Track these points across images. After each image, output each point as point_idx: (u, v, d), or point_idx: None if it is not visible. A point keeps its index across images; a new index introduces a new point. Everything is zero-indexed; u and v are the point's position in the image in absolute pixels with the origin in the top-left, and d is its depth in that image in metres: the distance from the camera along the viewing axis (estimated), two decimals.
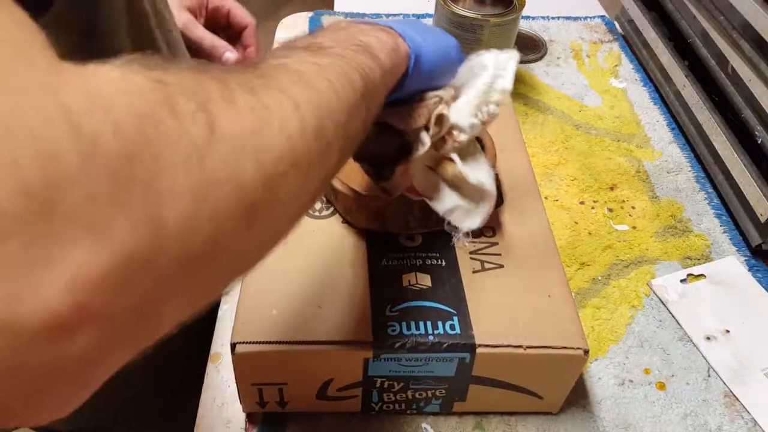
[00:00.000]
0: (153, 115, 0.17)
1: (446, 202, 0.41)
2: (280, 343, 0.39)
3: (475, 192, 0.40)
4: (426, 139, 0.38)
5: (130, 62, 0.18)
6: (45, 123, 0.14)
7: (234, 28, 0.67)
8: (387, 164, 0.40)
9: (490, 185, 0.40)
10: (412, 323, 0.40)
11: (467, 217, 0.41)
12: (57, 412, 0.16)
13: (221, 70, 0.22)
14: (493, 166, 0.47)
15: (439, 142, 0.40)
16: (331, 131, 0.24)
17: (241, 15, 0.67)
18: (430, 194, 0.42)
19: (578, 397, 0.48)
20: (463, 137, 0.39)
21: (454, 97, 0.40)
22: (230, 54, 0.63)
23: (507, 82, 0.39)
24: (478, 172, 0.40)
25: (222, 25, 0.67)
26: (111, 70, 0.17)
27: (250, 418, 0.45)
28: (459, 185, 0.41)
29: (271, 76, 0.24)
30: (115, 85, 0.16)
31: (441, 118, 0.39)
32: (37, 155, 0.14)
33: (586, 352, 0.40)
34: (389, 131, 0.39)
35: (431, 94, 0.39)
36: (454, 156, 0.41)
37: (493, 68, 0.39)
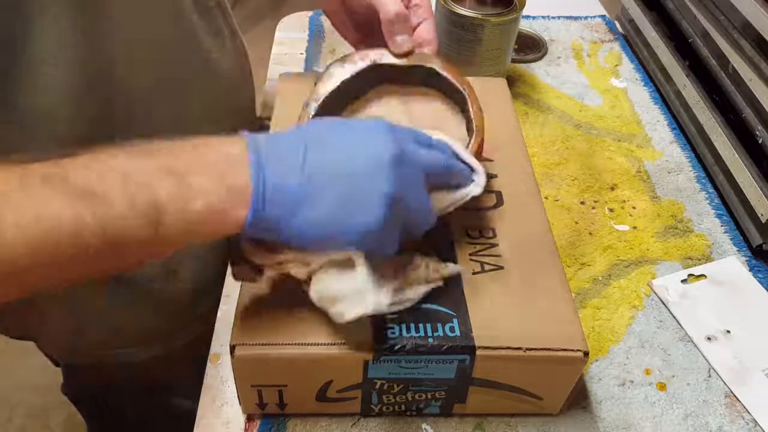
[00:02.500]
0: None
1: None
2: (279, 345, 0.39)
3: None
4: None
5: None
6: None
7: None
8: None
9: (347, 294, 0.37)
10: (412, 325, 0.40)
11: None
12: None
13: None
14: (481, 139, 0.46)
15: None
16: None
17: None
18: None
19: (579, 398, 0.48)
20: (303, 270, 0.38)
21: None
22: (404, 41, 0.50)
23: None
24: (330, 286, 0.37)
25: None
26: None
27: (250, 418, 0.45)
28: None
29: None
30: None
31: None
32: None
33: (586, 353, 0.40)
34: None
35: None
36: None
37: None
